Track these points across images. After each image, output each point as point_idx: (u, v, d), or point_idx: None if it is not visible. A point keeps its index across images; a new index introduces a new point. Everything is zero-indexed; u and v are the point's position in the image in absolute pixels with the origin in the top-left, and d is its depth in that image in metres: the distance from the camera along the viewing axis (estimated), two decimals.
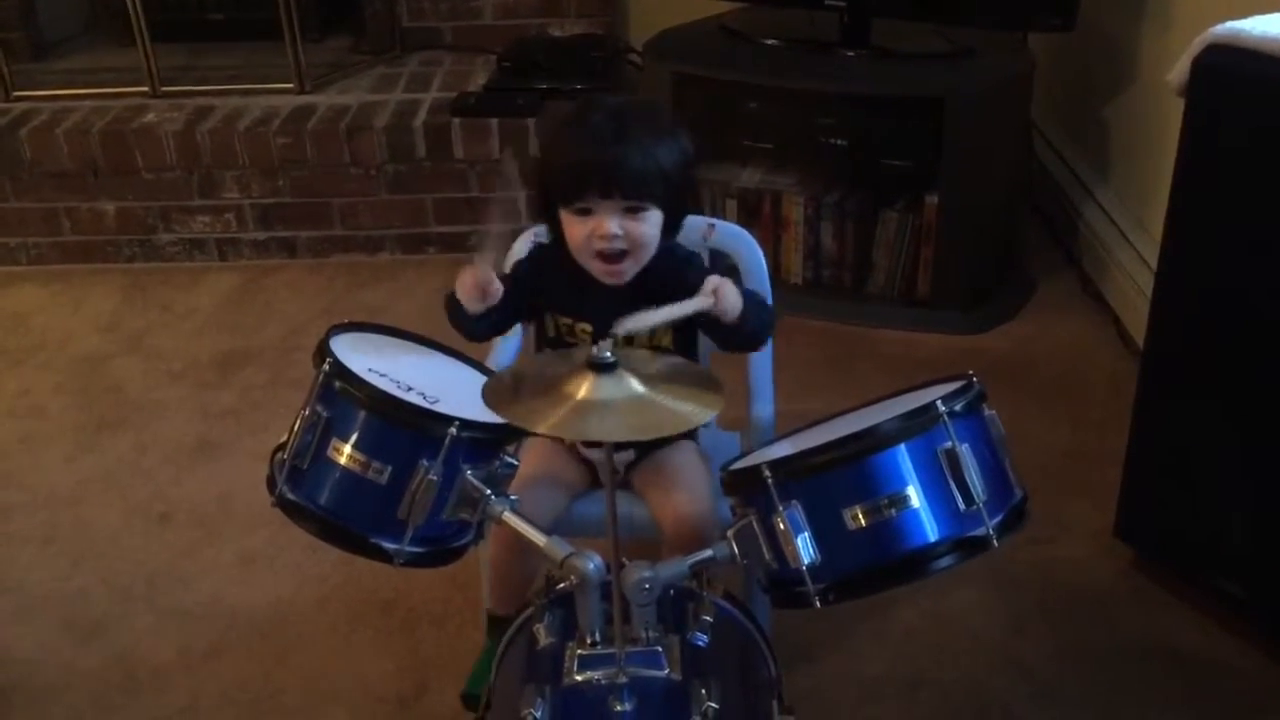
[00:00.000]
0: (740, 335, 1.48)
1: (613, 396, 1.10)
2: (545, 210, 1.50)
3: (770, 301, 1.62)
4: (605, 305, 1.48)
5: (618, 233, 1.43)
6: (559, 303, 1.54)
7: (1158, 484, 1.91)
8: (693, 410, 1.11)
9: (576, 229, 1.46)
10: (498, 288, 1.43)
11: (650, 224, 1.46)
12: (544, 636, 1.32)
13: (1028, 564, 1.98)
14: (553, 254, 1.53)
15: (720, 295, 1.39)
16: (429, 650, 1.88)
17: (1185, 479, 1.86)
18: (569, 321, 1.54)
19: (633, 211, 1.44)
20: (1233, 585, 1.81)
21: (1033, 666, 1.82)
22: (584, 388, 1.10)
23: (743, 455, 1.45)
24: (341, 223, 3.11)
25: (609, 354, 1.11)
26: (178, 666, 1.88)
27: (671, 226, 1.52)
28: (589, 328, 1.52)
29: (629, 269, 1.48)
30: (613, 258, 1.46)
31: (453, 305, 1.47)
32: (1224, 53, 1.60)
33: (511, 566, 1.59)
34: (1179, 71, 1.65)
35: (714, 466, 1.62)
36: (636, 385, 1.11)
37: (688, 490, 1.57)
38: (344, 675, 1.85)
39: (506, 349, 1.72)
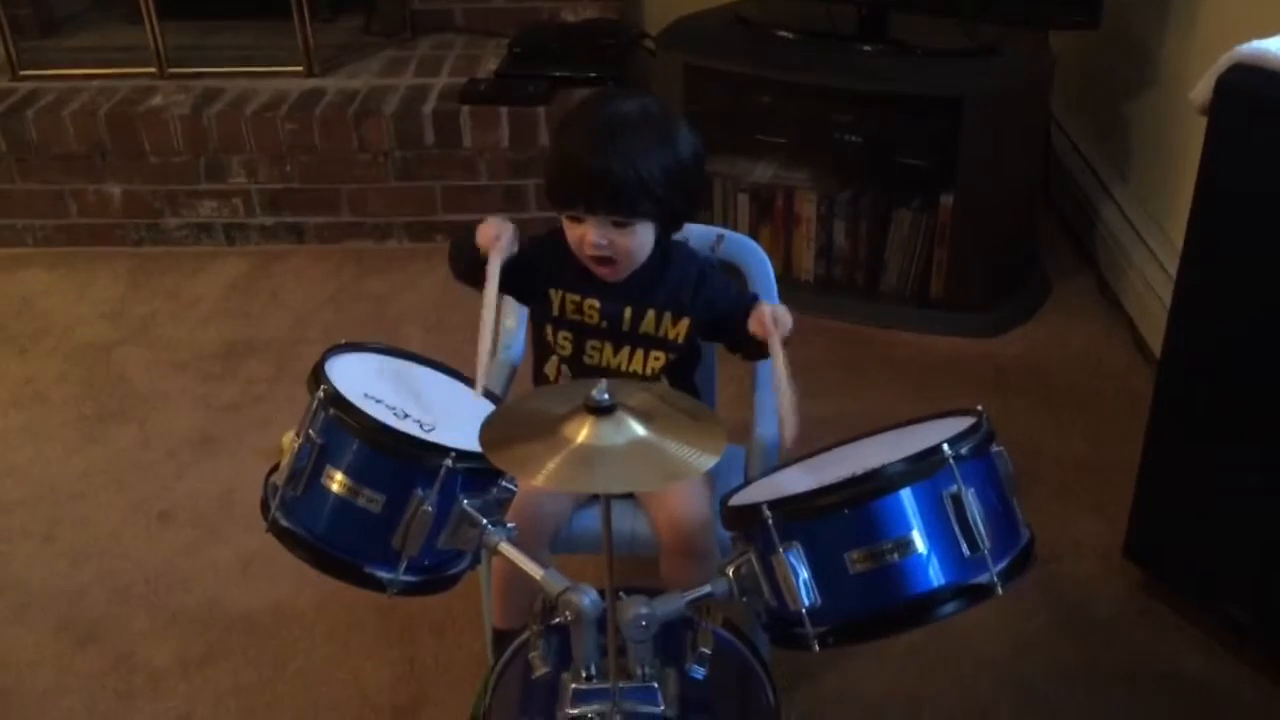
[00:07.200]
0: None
1: (612, 441, 1.07)
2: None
3: None
4: (613, 284, 1.55)
5: (603, 243, 1.50)
6: (568, 282, 1.57)
7: (1169, 503, 1.88)
8: (694, 455, 1.08)
9: (570, 230, 1.53)
10: (509, 243, 1.47)
11: (638, 236, 1.51)
12: (539, 665, 1.31)
13: (1034, 582, 1.96)
14: (563, 238, 1.56)
15: (781, 324, 1.44)
16: (427, 659, 1.87)
17: (1197, 499, 1.83)
18: (577, 299, 1.57)
19: (620, 225, 1.49)
20: (1241, 611, 1.78)
21: (1036, 688, 1.80)
22: (583, 432, 1.07)
23: (746, 483, 1.43)
24: (350, 209, 3.08)
25: (607, 396, 1.08)
26: (175, 672, 1.87)
27: (672, 226, 1.57)
28: (597, 304, 1.56)
29: (621, 271, 1.54)
30: (603, 262, 1.52)
31: (465, 241, 1.51)
32: (1249, 73, 1.55)
33: (517, 581, 1.59)
34: (1202, 90, 1.60)
35: (719, 481, 1.61)
36: (637, 428, 1.09)
37: (685, 496, 1.56)
38: (341, 684, 1.84)
39: (501, 371, 1.72)
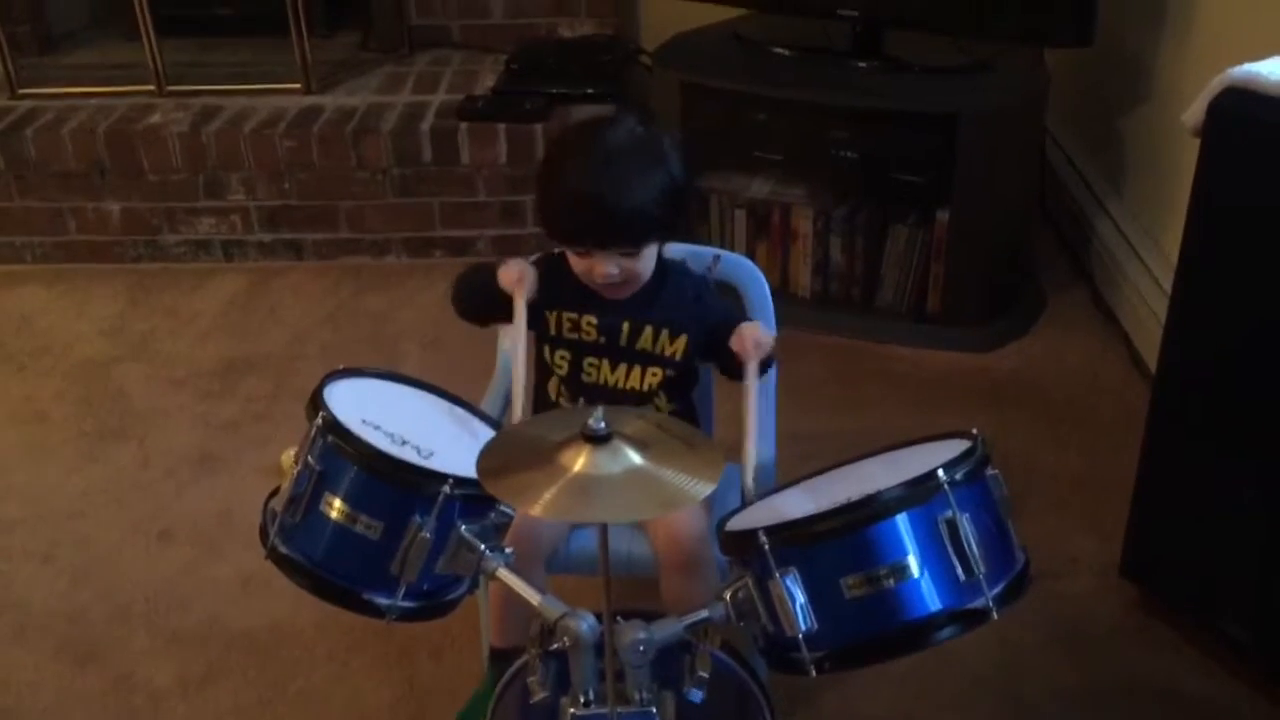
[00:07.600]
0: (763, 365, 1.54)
1: (609, 470, 1.08)
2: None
3: (773, 329, 1.64)
4: (610, 300, 1.58)
5: (614, 272, 1.52)
6: (566, 301, 1.58)
7: (1166, 519, 1.89)
8: (691, 483, 1.09)
9: (577, 262, 1.55)
10: (533, 284, 1.53)
11: (646, 257, 1.54)
12: (538, 690, 1.31)
13: (1031, 600, 1.92)
14: (559, 261, 1.58)
15: (759, 347, 1.46)
16: (426, 679, 1.87)
17: (1194, 516, 1.83)
18: (574, 316, 1.58)
19: (628, 255, 1.51)
20: (1239, 630, 1.79)
21: (1033, 706, 1.81)
22: (579, 461, 1.08)
23: (743, 505, 1.43)
24: (348, 226, 3.09)
25: (603, 424, 1.09)
26: (175, 693, 1.87)
27: (670, 240, 1.60)
28: (594, 319, 1.58)
29: (630, 289, 1.56)
30: (612, 286, 1.54)
31: (478, 282, 1.55)
32: (1240, 96, 1.56)
33: (515, 600, 1.59)
34: (1194, 113, 1.61)
35: (717, 500, 1.61)
36: (633, 456, 1.10)
37: (682, 513, 1.56)
38: (341, 704, 1.84)
39: (498, 393, 1.72)
